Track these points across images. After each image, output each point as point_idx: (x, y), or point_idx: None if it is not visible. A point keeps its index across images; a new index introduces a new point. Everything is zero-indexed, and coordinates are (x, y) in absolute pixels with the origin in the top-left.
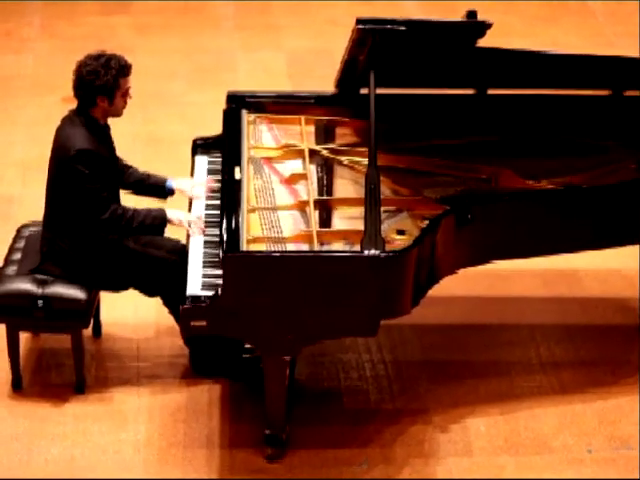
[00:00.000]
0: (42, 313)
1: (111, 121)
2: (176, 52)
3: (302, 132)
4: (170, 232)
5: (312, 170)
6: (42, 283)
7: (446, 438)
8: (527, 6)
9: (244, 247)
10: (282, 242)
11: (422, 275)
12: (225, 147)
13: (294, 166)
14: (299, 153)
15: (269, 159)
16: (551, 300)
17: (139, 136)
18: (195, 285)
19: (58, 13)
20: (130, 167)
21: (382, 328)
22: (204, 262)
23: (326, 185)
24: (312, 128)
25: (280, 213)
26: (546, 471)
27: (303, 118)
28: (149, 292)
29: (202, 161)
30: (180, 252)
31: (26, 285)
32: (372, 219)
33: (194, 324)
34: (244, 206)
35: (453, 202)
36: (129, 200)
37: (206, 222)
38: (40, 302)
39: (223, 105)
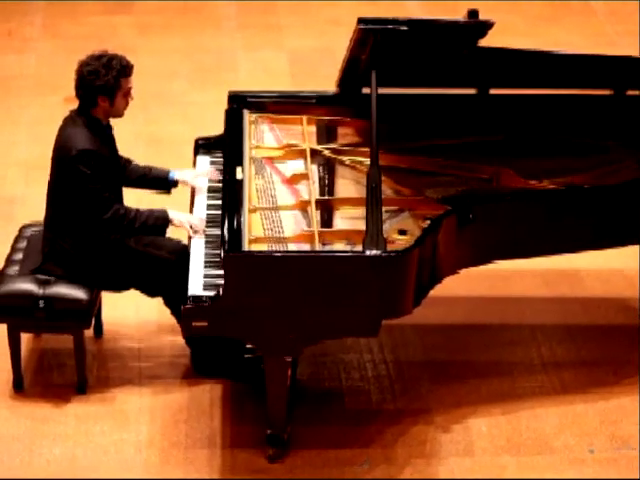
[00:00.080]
0: (43, 313)
1: (112, 121)
2: (178, 52)
3: (304, 132)
4: (171, 232)
5: (314, 170)
6: (44, 283)
7: (448, 438)
8: (529, 6)
9: (246, 247)
10: (284, 242)
11: (424, 275)
12: (227, 147)
13: (296, 166)
14: (301, 153)
15: (271, 159)
16: (553, 300)
17: (141, 136)
18: (197, 285)
19: (60, 13)
20: (131, 162)
21: (384, 328)
22: (206, 262)
23: (328, 185)
24: (314, 128)
25: (282, 213)
26: (548, 471)
27: (305, 118)
28: (150, 292)
29: (204, 161)
30: (181, 252)
31: (28, 285)
32: (374, 219)
33: (195, 324)
34: (246, 206)
35: (455, 202)
36: (132, 194)
37: (207, 222)
38: (41, 302)
39: (224, 105)
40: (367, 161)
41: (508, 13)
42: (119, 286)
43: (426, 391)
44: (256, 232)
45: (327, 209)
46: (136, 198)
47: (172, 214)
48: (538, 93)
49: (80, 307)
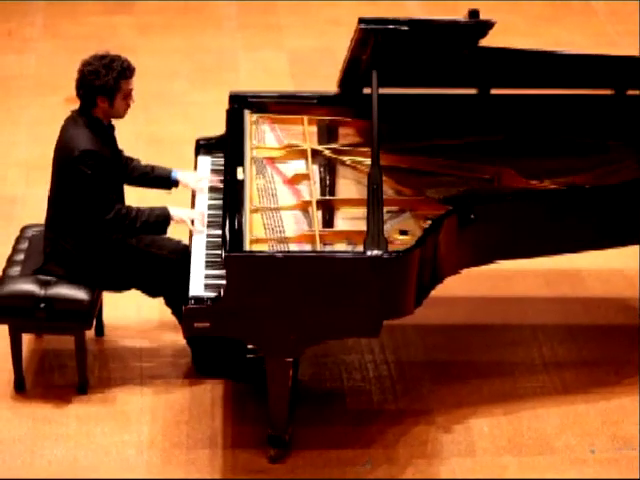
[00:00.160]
0: (45, 314)
1: (113, 121)
2: (178, 52)
3: (305, 132)
4: (171, 233)
5: (315, 170)
6: (45, 284)
7: (449, 438)
8: (530, 6)
9: (247, 247)
10: (285, 242)
11: (425, 275)
12: (228, 147)
13: (297, 166)
14: (302, 153)
15: (272, 159)
16: (554, 300)
17: (141, 136)
18: (198, 286)
19: (60, 13)
20: (132, 160)
21: (385, 328)
22: (207, 263)
23: (329, 185)
24: (315, 128)
25: (283, 213)
26: (549, 471)
27: (306, 118)
28: (152, 292)
29: (205, 161)
30: (182, 252)
31: (29, 286)
32: (375, 219)
33: (197, 325)
34: (247, 206)
35: (456, 202)
36: (133, 192)
37: (209, 222)
38: (42, 304)
39: (225, 105)
40: (368, 161)
41: (509, 13)
42: (120, 286)
43: (427, 391)
44: (257, 232)
45: (328, 209)
46: (137, 197)
47: (172, 210)
48: (539, 93)
49: (81, 308)
